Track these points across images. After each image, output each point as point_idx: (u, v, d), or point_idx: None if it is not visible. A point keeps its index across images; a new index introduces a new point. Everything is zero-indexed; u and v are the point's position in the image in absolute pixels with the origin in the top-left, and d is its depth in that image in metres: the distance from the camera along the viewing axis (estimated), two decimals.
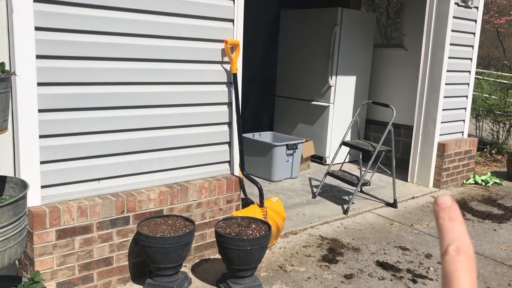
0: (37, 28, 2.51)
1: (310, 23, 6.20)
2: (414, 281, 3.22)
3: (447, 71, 5.30)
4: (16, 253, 2.02)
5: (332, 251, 3.61)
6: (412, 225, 4.28)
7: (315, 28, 6.12)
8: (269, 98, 6.89)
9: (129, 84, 2.93)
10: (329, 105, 6.04)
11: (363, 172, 4.73)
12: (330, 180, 5.32)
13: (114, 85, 2.86)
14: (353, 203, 4.61)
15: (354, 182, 4.61)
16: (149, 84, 3.02)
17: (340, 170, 5.02)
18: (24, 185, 2.14)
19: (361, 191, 5.11)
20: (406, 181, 5.62)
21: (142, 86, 2.99)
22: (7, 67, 2.46)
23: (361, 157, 5.25)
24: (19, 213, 2.00)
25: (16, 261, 2.74)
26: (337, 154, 5.00)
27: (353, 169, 5.84)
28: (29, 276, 2.43)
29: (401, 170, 5.90)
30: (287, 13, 6.49)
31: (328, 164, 6.04)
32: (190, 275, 3.15)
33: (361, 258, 3.53)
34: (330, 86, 6.01)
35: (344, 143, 4.90)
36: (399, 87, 6.33)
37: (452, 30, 5.21)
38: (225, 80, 3.41)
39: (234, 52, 3.36)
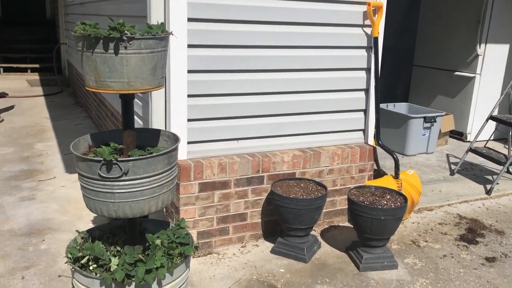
0: None
1: None
2: None
3: None
4: (168, 199, 2.22)
5: (472, 232, 3.36)
6: None
7: None
8: (405, 67, 6.51)
9: (271, 48, 2.97)
10: (474, 76, 5.52)
11: None
12: (471, 158, 4.91)
13: (258, 48, 2.93)
14: (497, 183, 4.20)
15: (501, 161, 4.19)
16: (289, 47, 3.03)
17: (484, 147, 4.60)
18: (175, 139, 2.32)
19: (508, 172, 4.63)
20: None
21: (284, 50, 3.02)
22: None
23: (510, 134, 4.73)
24: (172, 163, 2.18)
25: (164, 209, 3.02)
26: (482, 130, 4.57)
27: (498, 147, 5.31)
28: (175, 222, 2.66)
29: None
30: None
31: (469, 141, 5.57)
32: (319, 239, 3.18)
33: (506, 242, 3.23)
34: (477, 55, 5.47)
35: (492, 118, 4.45)
36: None
37: None
38: (365, 45, 3.28)
39: (376, 15, 3.21)
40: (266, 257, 2.94)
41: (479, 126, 5.16)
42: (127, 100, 2.15)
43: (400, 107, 5.47)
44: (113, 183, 2.01)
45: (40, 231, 3.16)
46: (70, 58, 8.13)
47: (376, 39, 3.24)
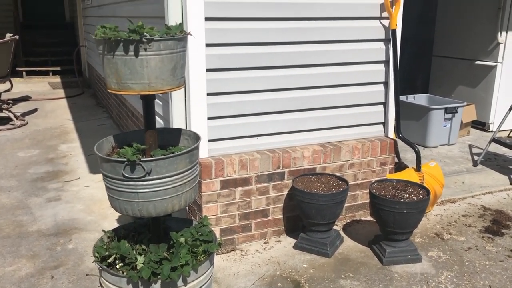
0: None
1: None
2: None
3: None
4: (190, 197, 2.25)
5: (497, 223, 3.31)
6: None
7: None
8: (424, 58, 6.43)
9: (288, 44, 2.98)
10: (496, 65, 5.42)
11: None
12: (494, 148, 4.83)
13: (275, 45, 2.94)
14: None
15: None
16: (304, 43, 3.03)
17: (508, 137, 4.52)
18: (196, 137, 2.35)
19: None
20: None
21: (300, 46, 3.02)
22: None
23: None
24: (193, 161, 2.21)
25: (187, 207, 3.05)
26: (505, 119, 4.49)
27: None
28: (198, 220, 2.70)
29: None
30: None
31: (491, 131, 5.48)
32: (342, 233, 3.18)
33: None
34: (498, 44, 5.36)
35: None
36: None
37: None
38: (383, 37, 3.26)
39: (394, 7, 3.18)
40: (289, 252, 2.95)
41: (502, 116, 5.08)
42: (148, 101, 2.18)
43: (420, 99, 5.41)
44: (136, 183, 2.05)
45: (67, 231, 3.24)
46: (90, 60, 8.25)
47: (394, 31, 3.21)
